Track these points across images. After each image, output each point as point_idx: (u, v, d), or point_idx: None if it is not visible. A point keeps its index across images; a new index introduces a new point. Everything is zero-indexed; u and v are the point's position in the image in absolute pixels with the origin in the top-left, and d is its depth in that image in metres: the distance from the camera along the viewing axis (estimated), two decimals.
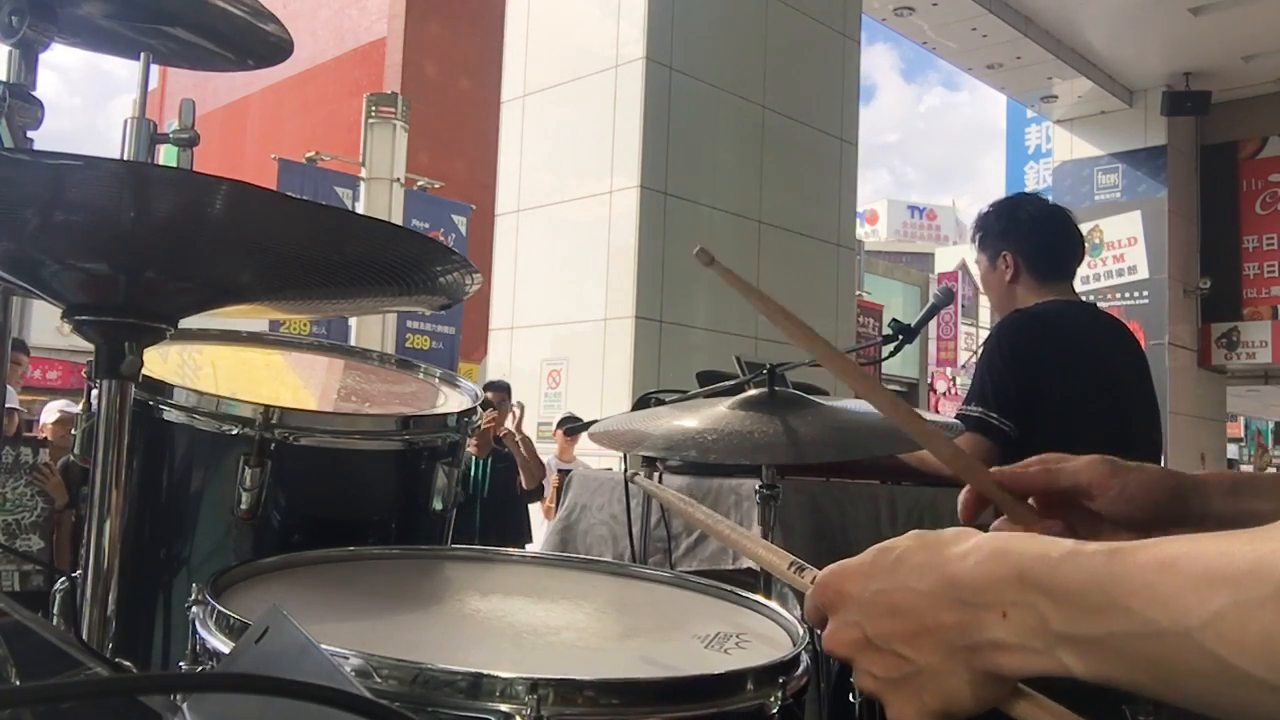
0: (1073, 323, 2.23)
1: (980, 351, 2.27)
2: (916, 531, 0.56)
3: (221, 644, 0.79)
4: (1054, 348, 2.14)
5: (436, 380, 1.60)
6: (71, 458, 3.93)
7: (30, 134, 1.18)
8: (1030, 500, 0.76)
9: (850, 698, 1.11)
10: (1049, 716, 0.54)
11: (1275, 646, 0.39)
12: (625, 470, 2.36)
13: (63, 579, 1.13)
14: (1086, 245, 2.52)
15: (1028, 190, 12.01)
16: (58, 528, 4.36)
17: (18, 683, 0.52)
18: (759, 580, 1.57)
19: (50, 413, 5.18)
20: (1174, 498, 0.73)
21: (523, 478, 5.56)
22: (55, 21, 1.19)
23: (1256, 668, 0.40)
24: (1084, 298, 2.48)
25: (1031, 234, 2.28)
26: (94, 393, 0.99)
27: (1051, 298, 2.24)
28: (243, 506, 1.16)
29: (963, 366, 19.01)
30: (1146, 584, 0.44)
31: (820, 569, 0.62)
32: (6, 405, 4.63)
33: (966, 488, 0.77)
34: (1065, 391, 2.08)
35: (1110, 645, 0.45)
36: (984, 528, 0.61)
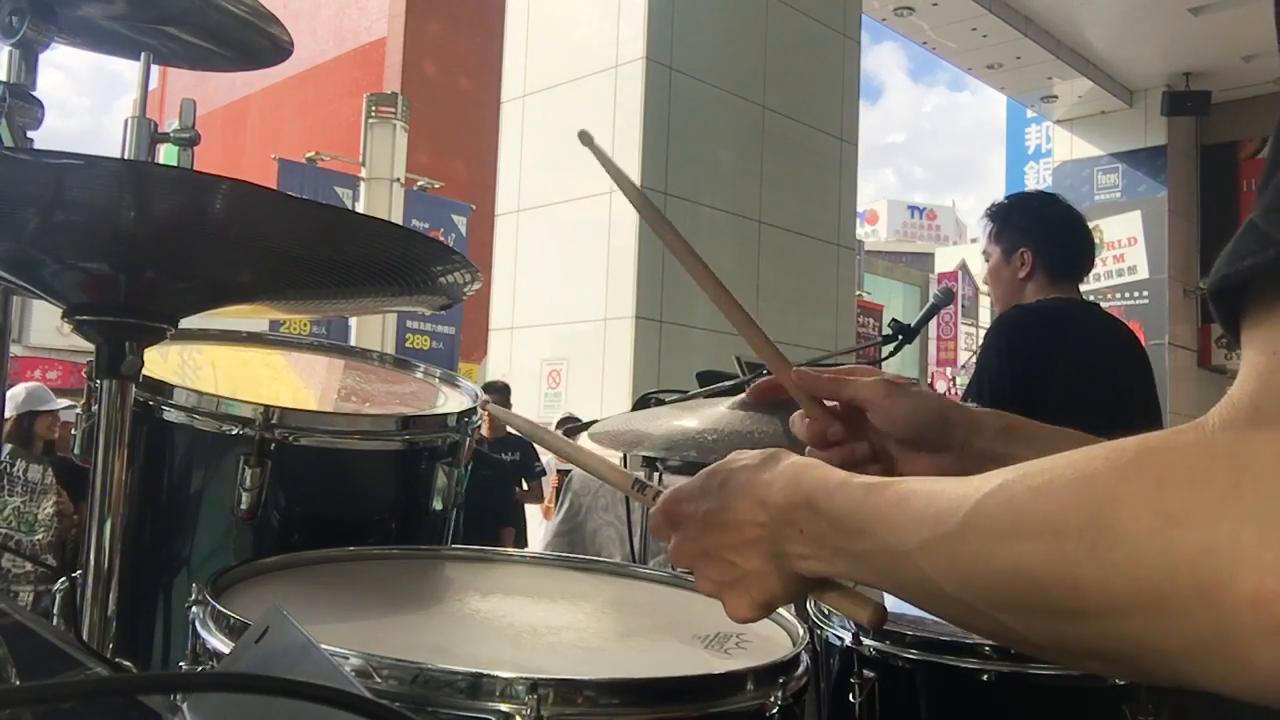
0: (1073, 319, 2.22)
1: (980, 347, 2.26)
2: (737, 453, 0.68)
3: (221, 644, 0.79)
4: (1053, 344, 2.13)
5: (436, 380, 1.60)
6: (72, 457, 3.96)
7: (31, 134, 1.18)
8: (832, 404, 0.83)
9: (850, 698, 1.11)
10: (848, 601, 0.66)
11: (957, 568, 0.50)
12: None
13: (63, 579, 1.13)
14: None
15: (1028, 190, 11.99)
16: (75, 527, 4.42)
17: (18, 683, 0.52)
18: None
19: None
20: (940, 425, 0.78)
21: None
22: (56, 21, 1.19)
23: (946, 584, 0.51)
24: (1085, 298, 2.48)
25: (1055, 235, 2.26)
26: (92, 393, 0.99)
27: (1057, 295, 2.23)
28: (243, 506, 1.16)
29: (962, 366, 19.00)
30: (885, 515, 0.55)
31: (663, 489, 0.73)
32: (46, 409, 4.64)
33: (768, 376, 0.88)
34: (1064, 387, 2.07)
35: (864, 559, 0.57)
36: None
